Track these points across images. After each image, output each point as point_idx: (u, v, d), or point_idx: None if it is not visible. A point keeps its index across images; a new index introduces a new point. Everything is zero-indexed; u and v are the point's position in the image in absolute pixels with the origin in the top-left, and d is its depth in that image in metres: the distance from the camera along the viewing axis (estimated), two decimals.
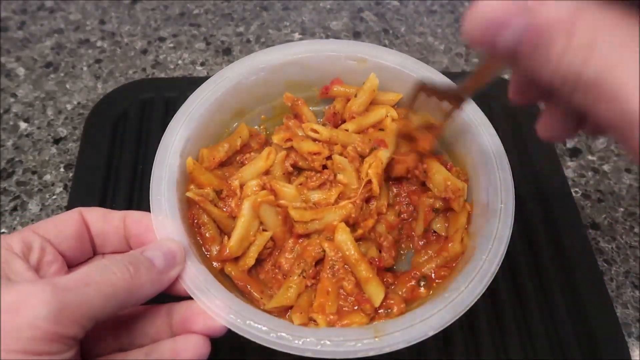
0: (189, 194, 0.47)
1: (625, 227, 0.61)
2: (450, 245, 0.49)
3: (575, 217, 0.59)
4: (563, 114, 0.26)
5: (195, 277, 0.42)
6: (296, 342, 0.39)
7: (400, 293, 0.47)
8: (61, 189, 0.63)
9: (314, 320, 0.44)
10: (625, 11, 0.19)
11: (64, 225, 0.41)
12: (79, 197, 0.59)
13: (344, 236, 0.47)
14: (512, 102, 0.30)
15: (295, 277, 0.47)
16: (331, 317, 0.44)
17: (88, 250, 0.43)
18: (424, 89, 0.45)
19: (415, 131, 0.50)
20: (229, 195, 0.50)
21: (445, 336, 0.50)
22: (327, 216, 0.48)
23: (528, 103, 0.28)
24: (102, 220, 0.43)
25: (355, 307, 0.46)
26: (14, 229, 0.59)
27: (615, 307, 0.54)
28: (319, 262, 0.48)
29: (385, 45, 0.78)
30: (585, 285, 0.55)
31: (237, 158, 0.55)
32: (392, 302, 0.46)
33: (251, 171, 0.51)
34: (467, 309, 0.41)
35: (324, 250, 0.48)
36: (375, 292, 0.45)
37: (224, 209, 0.49)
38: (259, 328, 0.40)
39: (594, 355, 0.51)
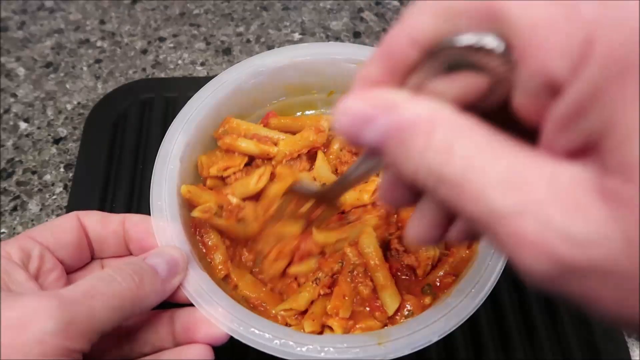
0: (194, 214, 0.46)
1: None
2: (455, 251, 0.49)
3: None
4: (432, 217, 0.27)
5: (197, 285, 0.42)
6: (299, 349, 0.39)
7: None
8: (61, 189, 0.63)
9: (330, 327, 0.44)
10: (475, 119, 0.20)
11: (62, 232, 0.40)
12: (79, 197, 0.59)
13: (368, 240, 0.47)
14: (382, 202, 0.30)
15: (309, 284, 0.47)
16: (348, 322, 0.44)
17: (87, 256, 0.42)
18: (294, 193, 0.44)
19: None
20: (231, 211, 0.49)
21: (445, 337, 0.50)
22: (351, 234, 0.48)
23: (396, 204, 0.28)
24: (101, 225, 0.42)
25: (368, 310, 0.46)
26: (14, 229, 0.59)
27: None
28: (336, 273, 0.48)
29: None
30: None
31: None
32: (409, 307, 0.46)
33: (241, 191, 0.50)
34: (471, 313, 0.41)
35: (342, 263, 0.47)
36: (390, 301, 0.45)
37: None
38: (262, 335, 0.40)
39: (594, 355, 0.51)
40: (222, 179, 0.52)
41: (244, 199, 0.49)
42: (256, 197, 0.50)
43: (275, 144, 0.53)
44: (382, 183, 0.28)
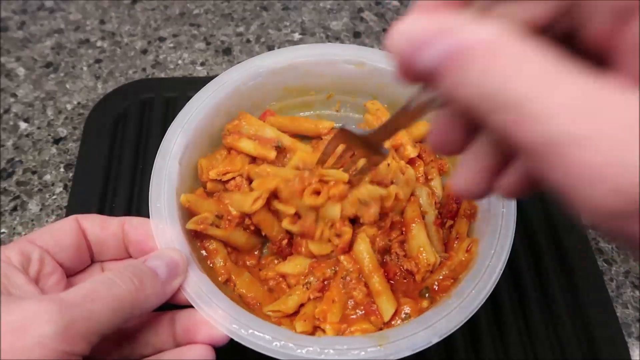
0: (189, 227, 0.46)
1: None
2: (454, 254, 0.49)
3: (576, 217, 0.59)
4: (484, 161, 0.25)
5: (197, 287, 0.42)
6: (299, 351, 0.39)
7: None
8: (61, 189, 0.63)
9: (322, 329, 0.44)
10: (544, 44, 0.19)
11: (62, 235, 0.40)
12: (79, 197, 0.59)
13: (362, 246, 0.47)
14: (434, 149, 0.29)
15: (299, 287, 0.47)
16: (340, 325, 0.44)
17: (86, 259, 0.42)
18: (344, 137, 0.43)
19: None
20: (231, 220, 0.48)
21: (445, 337, 0.50)
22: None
23: (447, 150, 0.27)
24: (100, 228, 0.42)
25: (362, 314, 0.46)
26: (14, 229, 0.59)
27: (615, 307, 0.54)
28: (327, 278, 0.48)
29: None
30: (585, 285, 0.55)
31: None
32: (407, 310, 0.46)
33: (237, 206, 0.49)
34: (472, 314, 0.41)
35: (335, 269, 0.47)
36: (387, 307, 0.45)
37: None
38: (262, 337, 0.40)
39: (594, 355, 0.51)
40: (222, 183, 0.52)
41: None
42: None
43: (278, 148, 0.53)
44: (434, 126, 0.27)
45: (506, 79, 0.18)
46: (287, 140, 0.54)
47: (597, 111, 0.16)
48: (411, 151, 0.54)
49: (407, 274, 0.49)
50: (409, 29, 0.20)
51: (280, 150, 0.53)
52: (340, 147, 0.44)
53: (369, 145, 0.41)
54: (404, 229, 0.50)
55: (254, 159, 0.53)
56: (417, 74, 0.21)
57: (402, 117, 0.32)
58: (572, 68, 0.18)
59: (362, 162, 0.44)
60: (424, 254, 0.48)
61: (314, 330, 0.45)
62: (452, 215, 0.52)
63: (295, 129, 0.56)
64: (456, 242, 0.50)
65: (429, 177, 0.55)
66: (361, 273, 0.47)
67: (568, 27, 0.20)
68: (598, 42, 0.19)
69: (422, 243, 0.49)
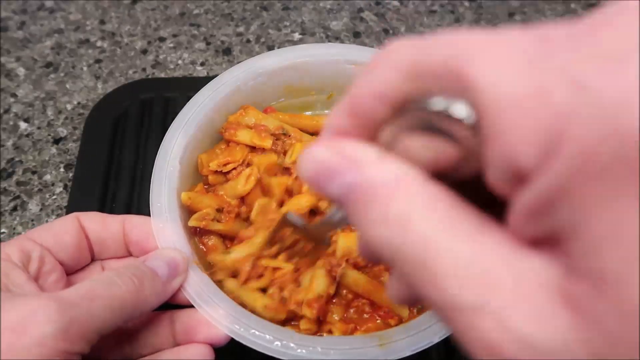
0: (191, 224, 0.46)
1: None
2: None
3: None
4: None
5: (197, 286, 0.41)
6: (300, 350, 0.39)
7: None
8: (61, 189, 0.63)
9: (330, 331, 0.44)
10: (443, 190, 0.19)
11: (62, 233, 0.40)
12: (79, 197, 0.59)
13: (355, 275, 0.47)
14: (361, 256, 0.29)
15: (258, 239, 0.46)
16: (348, 326, 0.44)
17: (86, 257, 0.42)
18: (286, 223, 0.42)
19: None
20: (231, 212, 0.49)
21: (445, 337, 0.50)
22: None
23: (374, 261, 0.27)
24: (101, 226, 0.42)
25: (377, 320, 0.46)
26: (14, 229, 0.59)
27: None
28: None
29: None
30: None
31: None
32: None
33: (231, 194, 0.50)
34: None
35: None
36: (400, 308, 0.45)
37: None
38: (262, 337, 0.40)
39: None
40: (224, 174, 0.52)
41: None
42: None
43: (277, 138, 0.53)
44: (359, 237, 0.26)
45: (403, 228, 0.18)
46: (290, 129, 0.54)
47: (485, 275, 0.16)
48: None
49: None
50: (319, 155, 0.21)
51: (279, 137, 0.53)
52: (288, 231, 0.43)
53: (309, 235, 0.41)
54: None
55: (253, 149, 0.53)
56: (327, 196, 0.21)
57: (328, 225, 0.32)
58: (468, 220, 0.18)
59: (309, 246, 0.43)
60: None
61: (319, 329, 0.45)
62: None
63: (295, 125, 0.56)
64: None
65: None
66: (363, 297, 0.47)
67: (473, 171, 0.20)
68: (496, 191, 0.19)
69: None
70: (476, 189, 0.20)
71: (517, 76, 0.16)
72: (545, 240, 0.16)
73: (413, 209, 0.18)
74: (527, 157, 0.16)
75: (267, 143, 0.52)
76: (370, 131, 0.21)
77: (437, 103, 0.18)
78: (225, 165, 0.51)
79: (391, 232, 0.18)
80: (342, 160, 0.20)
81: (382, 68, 0.20)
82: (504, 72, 0.16)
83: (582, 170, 0.15)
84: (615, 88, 0.14)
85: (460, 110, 0.18)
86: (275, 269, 0.46)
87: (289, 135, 0.53)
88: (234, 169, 0.51)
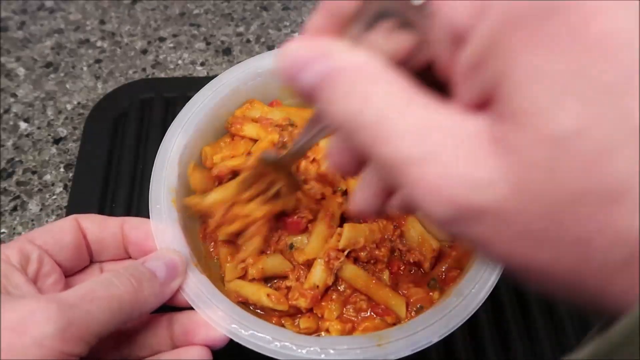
0: (186, 202, 0.48)
1: None
2: (459, 244, 0.49)
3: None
4: (374, 186, 0.28)
5: (196, 287, 0.41)
6: (300, 351, 0.39)
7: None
8: (61, 189, 0.63)
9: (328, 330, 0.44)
10: (402, 74, 0.21)
11: (61, 235, 0.40)
12: (79, 197, 0.59)
13: (354, 270, 0.47)
14: (330, 167, 0.31)
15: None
16: (345, 325, 0.44)
17: (85, 259, 0.42)
18: (262, 164, 0.44)
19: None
20: (219, 177, 0.50)
21: (445, 337, 0.50)
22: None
23: (343, 171, 0.30)
24: (100, 228, 0.42)
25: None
26: (14, 229, 0.59)
27: None
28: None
29: None
30: None
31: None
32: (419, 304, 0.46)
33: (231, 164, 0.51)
34: (472, 313, 0.41)
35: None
36: (397, 305, 0.45)
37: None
38: (262, 338, 0.40)
39: None
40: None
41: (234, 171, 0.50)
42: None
43: (283, 129, 0.53)
44: (329, 148, 0.29)
45: (365, 101, 0.20)
46: (296, 119, 0.54)
47: (430, 134, 0.19)
48: None
49: (413, 265, 0.49)
50: (294, 50, 0.23)
51: (285, 127, 0.54)
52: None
53: (280, 167, 0.43)
54: (397, 224, 0.50)
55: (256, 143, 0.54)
56: (299, 91, 0.23)
57: (300, 148, 0.36)
58: (421, 95, 0.20)
59: (277, 187, 0.45)
60: (424, 246, 0.48)
61: (317, 328, 0.45)
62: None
63: (301, 118, 0.56)
64: None
65: None
66: (360, 292, 0.47)
67: (426, 59, 0.23)
68: (444, 73, 0.22)
69: (420, 232, 0.49)
70: (429, 77, 0.23)
71: None
72: (485, 104, 0.19)
73: (374, 85, 0.21)
74: (463, 17, 0.19)
75: (274, 136, 0.52)
76: (341, 28, 0.25)
77: None
78: (229, 158, 0.52)
79: (353, 105, 0.21)
80: (315, 52, 0.22)
81: None
82: None
83: (507, 23, 0.17)
84: None
85: None
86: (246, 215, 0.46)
87: (296, 126, 0.54)
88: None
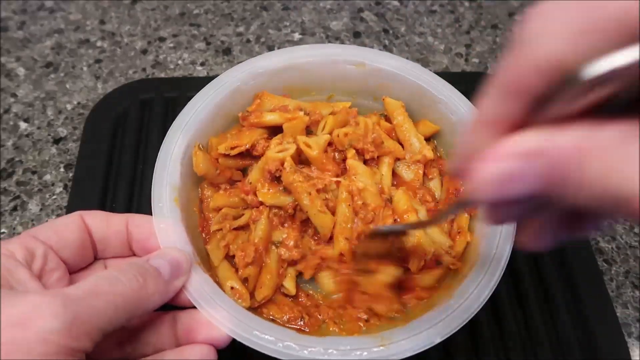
0: (214, 228, 0.49)
1: (625, 227, 0.61)
2: (457, 239, 0.49)
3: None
4: (549, 225, 0.27)
5: (199, 287, 0.41)
6: (302, 351, 0.39)
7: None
8: (61, 189, 0.63)
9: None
10: (622, 124, 0.19)
11: (66, 231, 0.40)
12: (79, 197, 0.59)
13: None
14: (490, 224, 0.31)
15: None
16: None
17: (90, 256, 0.42)
18: (376, 235, 0.45)
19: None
20: (246, 192, 0.50)
21: (446, 338, 0.50)
22: None
23: (507, 222, 0.29)
24: (104, 225, 0.42)
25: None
26: (14, 229, 0.59)
27: (615, 307, 0.54)
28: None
29: (385, 46, 0.78)
30: (585, 285, 0.55)
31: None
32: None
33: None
34: (474, 315, 0.41)
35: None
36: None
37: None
38: (264, 338, 0.40)
39: (594, 355, 0.51)
40: (231, 157, 0.53)
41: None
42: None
43: (307, 114, 0.54)
44: (489, 212, 0.28)
45: (612, 174, 0.19)
46: (308, 106, 0.55)
47: None
48: (427, 152, 0.54)
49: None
50: (493, 170, 0.21)
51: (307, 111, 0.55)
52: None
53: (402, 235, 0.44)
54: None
55: (273, 133, 0.54)
56: (509, 202, 0.22)
57: (437, 221, 0.35)
58: None
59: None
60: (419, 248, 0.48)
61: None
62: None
63: (313, 107, 0.56)
64: (458, 236, 0.50)
65: (430, 177, 0.55)
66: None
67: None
68: None
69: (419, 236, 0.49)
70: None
71: None
72: None
73: (610, 158, 0.19)
74: None
75: (300, 114, 0.53)
76: (526, 112, 0.21)
77: (619, 59, 0.19)
78: (232, 148, 0.52)
79: (597, 190, 0.19)
80: (521, 159, 0.20)
81: (541, 35, 0.20)
82: None
83: None
84: None
85: (624, 58, 0.18)
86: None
87: (308, 113, 0.54)
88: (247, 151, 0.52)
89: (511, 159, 0.21)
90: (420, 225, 0.43)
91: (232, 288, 0.46)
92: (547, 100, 0.21)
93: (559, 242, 0.27)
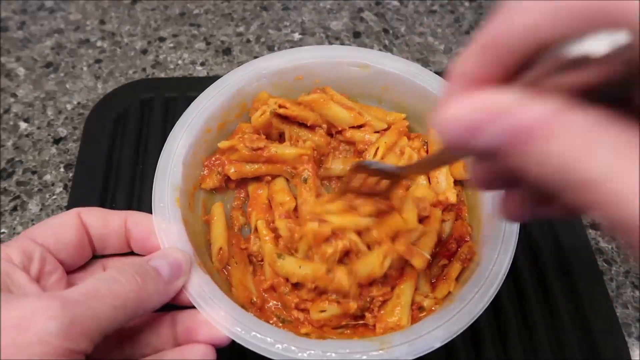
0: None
1: None
2: (440, 285, 0.48)
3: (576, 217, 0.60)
4: (527, 199, 0.27)
5: (199, 287, 0.41)
6: (301, 354, 0.39)
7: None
8: (61, 189, 0.63)
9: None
10: (611, 114, 0.19)
11: (64, 231, 0.40)
12: (79, 197, 0.59)
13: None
14: (474, 185, 0.30)
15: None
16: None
17: (88, 254, 0.42)
18: (363, 169, 0.43)
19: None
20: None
21: (446, 343, 0.50)
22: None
23: (487, 189, 0.29)
24: (102, 223, 0.42)
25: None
26: (14, 229, 0.59)
27: (615, 307, 0.54)
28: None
29: (385, 46, 0.78)
30: (585, 285, 0.55)
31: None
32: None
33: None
34: (474, 319, 0.41)
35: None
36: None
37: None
38: (263, 339, 0.40)
39: (594, 355, 0.51)
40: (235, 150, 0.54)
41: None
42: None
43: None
44: (474, 169, 0.28)
45: (575, 158, 0.18)
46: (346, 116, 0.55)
47: None
48: (451, 196, 0.52)
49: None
50: (459, 113, 0.21)
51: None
52: (359, 178, 0.44)
53: (392, 177, 0.42)
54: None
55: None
56: (471, 153, 0.21)
57: (430, 164, 0.35)
58: (635, 140, 0.18)
59: (385, 183, 0.43)
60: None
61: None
62: (449, 255, 0.50)
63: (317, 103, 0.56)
64: (442, 283, 0.48)
65: (445, 219, 0.52)
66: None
67: (621, 87, 0.20)
68: None
69: (403, 302, 0.46)
70: (620, 96, 0.20)
71: None
72: None
73: (584, 136, 0.18)
74: None
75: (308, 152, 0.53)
76: (505, 74, 0.21)
77: (594, 44, 0.18)
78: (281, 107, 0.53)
79: (562, 162, 0.19)
80: (487, 112, 0.20)
81: (523, 9, 0.20)
82: None
83: None
84: None
85: (599, 45, 0.18)
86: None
87: (327, 130, 0.56)
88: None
89: (479, 108, 0.21)
90: (407, 169, 0.41)
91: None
92: (525, 68, 0.21)
93: (536, 217, 0.27)
